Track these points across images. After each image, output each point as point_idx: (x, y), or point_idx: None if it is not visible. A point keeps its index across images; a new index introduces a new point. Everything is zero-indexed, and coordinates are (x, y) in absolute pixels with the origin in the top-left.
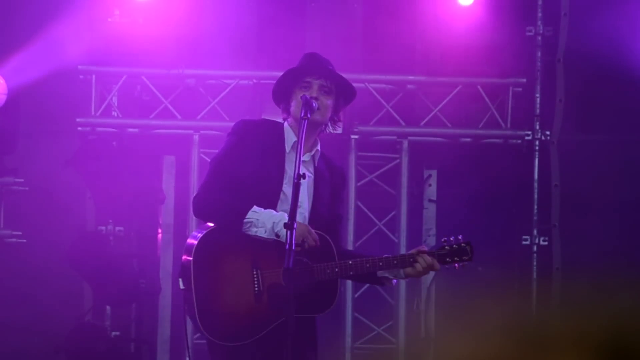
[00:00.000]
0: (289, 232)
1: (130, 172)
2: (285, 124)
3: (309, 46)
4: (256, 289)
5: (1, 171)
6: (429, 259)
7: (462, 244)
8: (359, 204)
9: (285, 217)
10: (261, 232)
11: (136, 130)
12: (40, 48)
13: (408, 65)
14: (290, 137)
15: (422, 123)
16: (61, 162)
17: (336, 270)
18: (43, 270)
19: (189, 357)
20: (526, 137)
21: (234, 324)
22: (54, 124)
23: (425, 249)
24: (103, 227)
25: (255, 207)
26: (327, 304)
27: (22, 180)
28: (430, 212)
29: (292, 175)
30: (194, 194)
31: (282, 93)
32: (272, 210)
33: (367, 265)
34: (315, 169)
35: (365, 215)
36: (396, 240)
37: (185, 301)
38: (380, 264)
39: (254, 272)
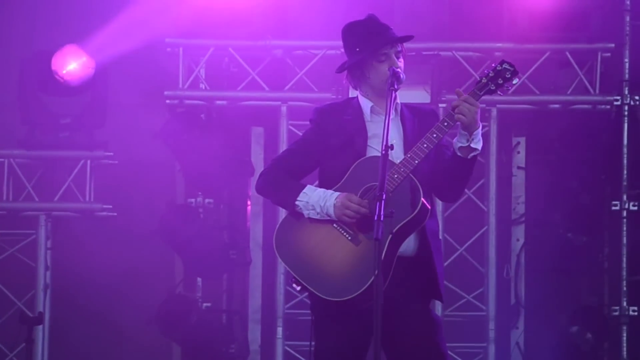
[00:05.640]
0: (377, 203)
1: (219, 144)
2: (358, 94)
3: (397, 15)
4: (349, 237)
5: (91, 145)
6: (464, 97)
7: (497, 67)
8: None
9: (333, 196)
10: (313, 215)
11: (224, 102)
12: (127, 22)
13: (495, 33)
14: (366, 104)
15: (511, 90)
16: (150, 135)
17: (401, 169)
18: (134, 243)
19: (281, 326)
20: (615, 103)
21: (351, 273)
22: (143, 97)
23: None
24: (192, 200)
25: (307, 189)
26: (414, 204)
27: (111, 153)
28: (519, 179)
29: (377, 133)
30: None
31: (358, 66)
32: (323, 190)
33: (425, 145)
34: (400, 115)
35: None
36: (485, 208)
37: (305, 291)
38: (434, 135)
39: (336, 227)
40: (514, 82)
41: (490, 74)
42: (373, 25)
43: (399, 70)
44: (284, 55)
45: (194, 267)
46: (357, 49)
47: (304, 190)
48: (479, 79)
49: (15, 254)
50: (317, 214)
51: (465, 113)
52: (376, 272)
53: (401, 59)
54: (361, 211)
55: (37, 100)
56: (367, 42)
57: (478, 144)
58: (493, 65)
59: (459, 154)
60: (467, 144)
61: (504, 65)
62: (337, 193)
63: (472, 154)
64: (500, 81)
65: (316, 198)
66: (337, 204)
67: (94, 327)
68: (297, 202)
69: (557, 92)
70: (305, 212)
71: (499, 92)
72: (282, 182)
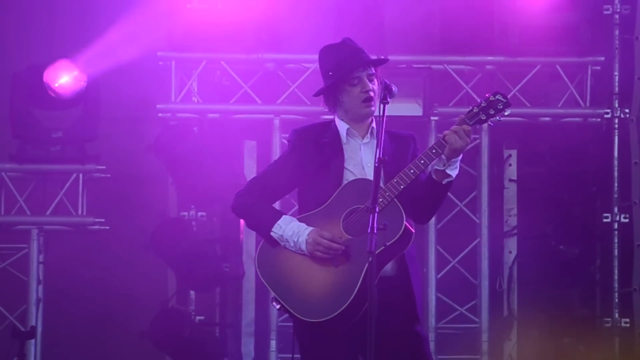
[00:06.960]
0: (371, 215)
1: (212, 157)
2: (335, 117)
3: (387, 29)
4: (329, 259)
5: (83, 158)
6: (455, 127)
7: (491, 98)
8: None
9: (306, 232)
10: (288, 247)
11: (217, 115)
12: (119, 35)
13: (487, 46)
14: (342, 126)
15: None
16: (142, 148)
17: (387, 194)
18: (127, 256)
19: (274, 339)
20: (605, 116)
21: (331, 293)
22: (135, 110)
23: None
24: (185, 213)
25: (281, 220)
26: (397, 229)
27: (104, 167)
28: (511, 191)
29: (353, 156)
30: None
31: (331, 90)
32: (297, 225)
33: (412, 171)
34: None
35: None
36: (477, 220)
37: (289, 315)
38: (422, 161)
39: None
40: (506, 113)
41: (482, 104)
42: (346, 49)
43: (389, 83)
44: (276, 68)
45: (186, 280)
46: (330, 73)
47: (278, 222)
48: (470, 108)
49: (7, 268)
50: (292, 247)
51: (453, 144)
52: (366, 281)
53: (375, 82)
54: (333, 247)
55: (28, 113)
56: (339, 65)
57: (453, 172)
58: (487, 95)
59: (433, 176)
60: (442, 168)
61: (497, 96)
62: (310, 228)
63: (446, 180)
64: (491, 111)
65: (290, 232)
66: (308, 240)
67: (86, 341)
68: (271, 234)
69: (548, 105)
70: (281, 244)
71: (489, 122)
72: (257, 208)
